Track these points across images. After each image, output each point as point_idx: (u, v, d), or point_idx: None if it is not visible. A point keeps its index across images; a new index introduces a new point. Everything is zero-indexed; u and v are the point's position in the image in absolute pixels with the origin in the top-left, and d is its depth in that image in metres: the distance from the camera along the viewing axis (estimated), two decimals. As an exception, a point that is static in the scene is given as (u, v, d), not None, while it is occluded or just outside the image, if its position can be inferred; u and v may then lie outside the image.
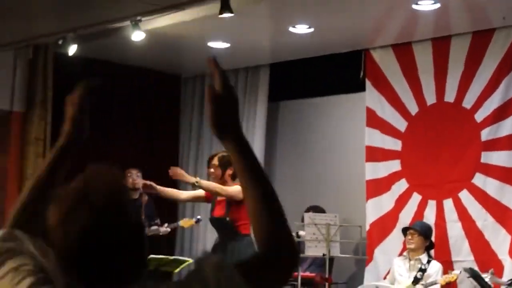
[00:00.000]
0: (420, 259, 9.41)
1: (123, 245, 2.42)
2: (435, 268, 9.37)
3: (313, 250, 10.21)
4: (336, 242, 10.19)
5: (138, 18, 9.17)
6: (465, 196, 9.95)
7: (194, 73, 12.78)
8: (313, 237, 10.10)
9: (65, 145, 3.57)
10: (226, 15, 8.42)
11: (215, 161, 9.30)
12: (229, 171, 9.06)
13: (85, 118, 3.87)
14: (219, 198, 9.40)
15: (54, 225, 2.38)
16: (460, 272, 9.11)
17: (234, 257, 8.91)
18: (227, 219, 9.24)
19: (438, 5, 8.92)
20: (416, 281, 9.27)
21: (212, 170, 9.29)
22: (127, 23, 9.38)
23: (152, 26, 9.51)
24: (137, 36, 9.43)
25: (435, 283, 9.25)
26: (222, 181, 9.08)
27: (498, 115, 9.77)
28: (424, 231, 9.49)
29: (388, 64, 10.64)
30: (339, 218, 10.19)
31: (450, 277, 9.16)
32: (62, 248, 2.39)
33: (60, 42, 10.10)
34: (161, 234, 11.19)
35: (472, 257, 9.71)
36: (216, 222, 9.49)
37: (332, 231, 9.98)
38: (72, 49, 10.09)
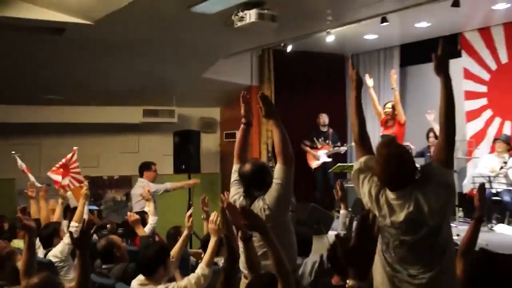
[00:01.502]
0: (504, 157, 9.41)
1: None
2: None
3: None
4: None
5: (328, 30, 9.55)
6: None
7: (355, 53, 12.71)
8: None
9: (246, 124, 4.72)
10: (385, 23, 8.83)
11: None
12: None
13: (251, 110, 4.85)
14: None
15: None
16: None
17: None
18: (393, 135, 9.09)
19: (509, 5, 9.07)
20: (500, 168, 9.23)
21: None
22: (323, 33, 9.70)
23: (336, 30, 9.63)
24: (330, 39, 9.78)
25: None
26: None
27: None
28: (506, 140, 9.58)
29: (475, 40, 10.68)
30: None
31: None
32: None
33: (282, 44, 10.59)
34: (341, 152, 11.67)
35: None
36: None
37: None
38: (289, 48, 10.56)
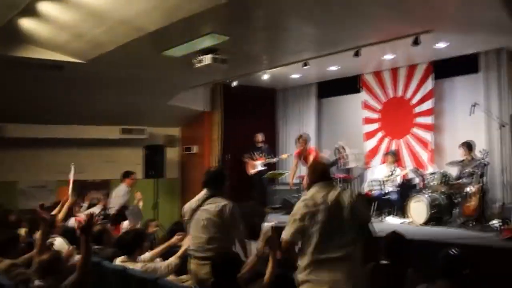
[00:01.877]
0: (391, 166, 9.42)
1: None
2: (399, 171, 9.46)
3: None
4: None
5: (264, 71, 9.75)
6: (409, 137, 10.25)
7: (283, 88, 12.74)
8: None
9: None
10: (306, 66, 9.07)
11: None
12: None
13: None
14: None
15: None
16: (410, 170, 9.53)
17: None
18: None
19: (395, 55, 9.15)
20: (390, 175, 9.24)
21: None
22: (260, 73, 9.91)
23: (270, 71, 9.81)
24: (265, 77, 10.06)
25: (399, 175, 9.40)
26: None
27: (421, 101, 9.99)
28: (394, 154, 9.66)
29: (371, 80, 10.81)
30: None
31: (405, 171, 9.52)
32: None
33: (228, 80, 10.70)
34: (273, 162, 11.61)
35: (412, 164, 9.95)
36: None
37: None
38: (234, 83, 10.71)
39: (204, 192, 4.55)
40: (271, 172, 11.37)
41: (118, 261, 4.69)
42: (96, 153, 11.58)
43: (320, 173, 3.57)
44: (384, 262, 3.91)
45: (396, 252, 3.98)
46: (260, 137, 11.61)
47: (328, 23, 6.73)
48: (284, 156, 11.75)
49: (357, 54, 8.19)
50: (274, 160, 11.71)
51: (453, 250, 3.54)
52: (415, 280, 3.63)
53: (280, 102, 13.11)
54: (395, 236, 4.17)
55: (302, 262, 3.30)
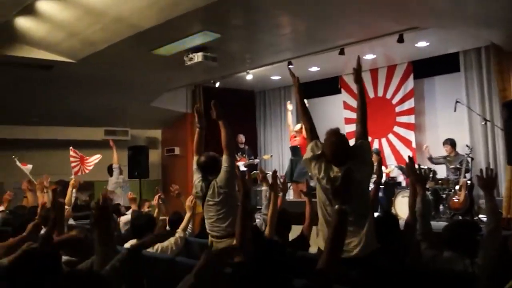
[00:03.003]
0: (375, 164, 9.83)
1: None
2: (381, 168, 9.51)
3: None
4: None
5: (248, 71, 9.91)
6: (390, 136, 10.63)
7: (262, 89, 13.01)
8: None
9: (200, 128, 4.66)
10: (291, 66, 9.00)
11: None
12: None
13: (203, 118, 4.71)
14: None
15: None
16: (394, 166, 9.86)
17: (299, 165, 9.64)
18: (298, 146, 9.77)
19: (375, 56, 9.48)
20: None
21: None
22: (244, 73, 10.06)
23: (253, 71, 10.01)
24: (249, 77, 10.14)
25: (383, 173, 9.28)
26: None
27: (401, 101, 10.40)
28: (377, 152, 9.54)
29: (351, 81, 10.44)
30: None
31: (390, 169, 9.82)
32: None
33: (212, 81, 10.78)
34: (255, 163, 11.60)
35: (395, 162, 10.32)
36: (293, 148, 9.95)
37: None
38: (218, 84, 10.78)
39: (199, 176, 4.78)
40: (253, 172, 11.51)
41: (129, 244, 4.62)
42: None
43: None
44: None
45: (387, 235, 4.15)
46: (241, 138, 11.71)
47: (316, 19, 6.89)
48: (266, 156, 11.98)
49: (342, 52, 8.41)
50: (256, 161, 11.93)
51: (457, 221, 3.72)
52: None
53: (260, 104, 13.37)
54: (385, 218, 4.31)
55: None
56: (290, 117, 10.35)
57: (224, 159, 4.50)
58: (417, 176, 3.93)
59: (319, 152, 3.74)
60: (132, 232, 5.03)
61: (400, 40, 7.78)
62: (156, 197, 6.14)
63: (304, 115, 3.94)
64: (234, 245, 3.21)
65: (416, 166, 8.02)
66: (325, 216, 3.73)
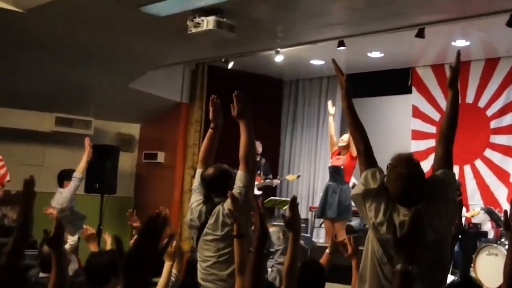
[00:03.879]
0: None
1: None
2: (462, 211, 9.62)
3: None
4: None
5: (278, 49, 10.00)
6: (478, 163, 10.87)
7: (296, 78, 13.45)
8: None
9: (214, 129, 4.93)
10: (342, 48, 9.26)
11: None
12: None
13: (220, 114, 4.97)
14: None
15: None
16: (481, 209, 9.93)
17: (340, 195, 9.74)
18: (342, 167, 9.82)
19: (468, 43, 9.86)
20: None
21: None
22: (271, 52, 10.15)
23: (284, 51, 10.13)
24: (278, 58, 10.20)
25: (463, 217, 9.37)
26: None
27: (502, 112, 10.64)
28: (456, 185, 10.44)
29: (427, 77, 11.46)
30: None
31: (473, 212, 9.96)
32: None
33: (223, 60, 10.94)
34: (273, 185, 11.99)
35: (481, 202, 10.53)
36: (334, 169, 9.98)
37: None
38: (231, 65, 10.98)
39: (201, 198, 4.91)
40: (271, 198, 11.54)
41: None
42: (16, 150, 11.50)
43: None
44: None
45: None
46: (257, 146, 11.73)
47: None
48: (291, 177, 12.06)
49: (421, 34, 8.50)
50: (276, 181, 11.98)
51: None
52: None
53: (289, 98, 13.74)
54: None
55: None
56: (333, 125, 10.30)
57: (240, 175, 4.65)
58: None
59: (378, 185, 3.83)
60: (88, 280, 4.86)
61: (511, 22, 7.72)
62: (130, 225, 6.26)
63: (356, 132, 4.04)
64: None
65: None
66: (379, 278, 3.81)
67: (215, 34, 8.03)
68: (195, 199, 4.89)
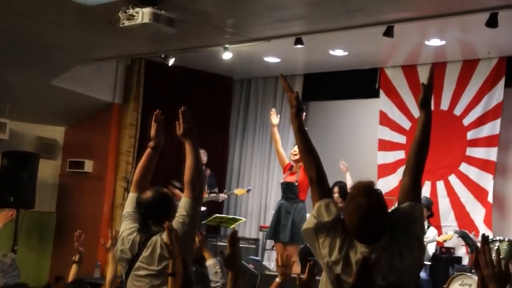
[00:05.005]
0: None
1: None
2: (433, 232, 10.05)
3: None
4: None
5: (227, 45, 10.05)
6: (453, 179, 10.87)
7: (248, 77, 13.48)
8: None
9: (154, 149, 5.05)
10: (299, 46, 9.41)
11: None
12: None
13: (163, 132, 5.03)
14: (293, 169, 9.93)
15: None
16: (454, 232, 9.87)
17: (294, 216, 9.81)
18: (296, 184, 9.85)
19: (444, 42, 9.88)
20: None
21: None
22: (219, 48, 10.21)
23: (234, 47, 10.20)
24: (226, 56, 10.25)
25: (434, 241, 9.94)
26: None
27: (480, 121, 10.67)
28: (427, 205, 9.87)
29: (397, 79, 11.48)
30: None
31: (446, 236, 9.90)
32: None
33: (162, 55, 10.88)
34: (219, 200, 11.99)
35: (456, 223, 10.62)
36: (286, 186, 10.01)
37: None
38: (171, 61, 10.92)
39: (136, 226, 4.88)
40: (216, 215, 11.58)
41: None
42: None
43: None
44: None
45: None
46: (201, 155, 11.77)
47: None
48: (239, 191, 12.07)
49: (389, 33, 8.59)
50: (222, 196, 11.99)
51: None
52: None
53: (241, 100, 13.74)
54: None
55: None
56: (278, 137, 10.31)
57: (185, 202, 4.66)
58: (493, 269, 3.57)
59: (332, 218, 3.81)
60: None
61: (493, 22, 7.81)
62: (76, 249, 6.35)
63: (309, 157, 4.02)
64: None
65: (495, 247, 7.75)
66: None
67: (152, 28, 7.99)
68: (127, 227, 4.85)
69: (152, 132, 5.01)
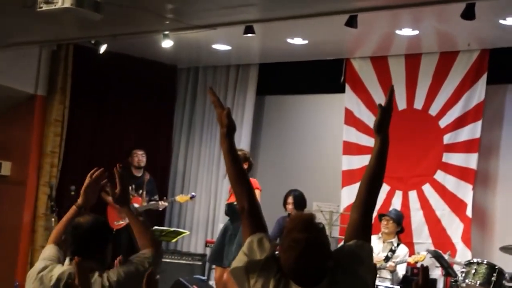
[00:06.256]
0: (392, 242, 10.10)
1: None
2: (403, 251, 10.12)
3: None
4: (337, 226, 10.98)
5: (167, 32, 10.05)
6: (427, 189, 10.95)
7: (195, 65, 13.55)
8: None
9: (80, 208, 4.91)
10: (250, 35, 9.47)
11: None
12: (244, 165, 9.29)
13: (95, 189, 4.97)
14: None
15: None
16: (427, 252, 9.80)
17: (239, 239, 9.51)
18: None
19: (417, 32, 9.97)
20: (387, 259, 9.94)
21: None
22: (158, 35, 10.24)
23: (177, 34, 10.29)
24: (166, 44, 10.28)
25: (405, 261, 9.97)
26: None
27: (458, 123, 10.73)
28: (397, 219, 10.16)
29: (365, 72, 11.62)
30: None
31: (418, 257, 9.85)
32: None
33: (92, 41, 10.90)
34: (160, 208, 12.00)
35: (430, 240, 10.72)
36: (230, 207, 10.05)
37: (334, 217, 10.92)
38: (103, 48, 10.90)
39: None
40: (155, 228, 11.42)
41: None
42: None
43: None
44: None
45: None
46: (140, 157, 12.07)
47: None
48: (182, 198, 12.05)
49: (352, 23, 8.68)
50: (163, 204, 12.01)
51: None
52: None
53: (186, 92, 13.83)
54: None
55: None
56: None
57: (147, 251, 4.84)
58: None
59: (266, 256, 3.80)
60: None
61: (469, 14, 7.92)
62: None
63: (239, 184, 4.02)
64: None
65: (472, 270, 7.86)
66: None
67: (75, 14, 7.97)
68: (46, 263, 4.68)
69: (84, 188, 4.95)
